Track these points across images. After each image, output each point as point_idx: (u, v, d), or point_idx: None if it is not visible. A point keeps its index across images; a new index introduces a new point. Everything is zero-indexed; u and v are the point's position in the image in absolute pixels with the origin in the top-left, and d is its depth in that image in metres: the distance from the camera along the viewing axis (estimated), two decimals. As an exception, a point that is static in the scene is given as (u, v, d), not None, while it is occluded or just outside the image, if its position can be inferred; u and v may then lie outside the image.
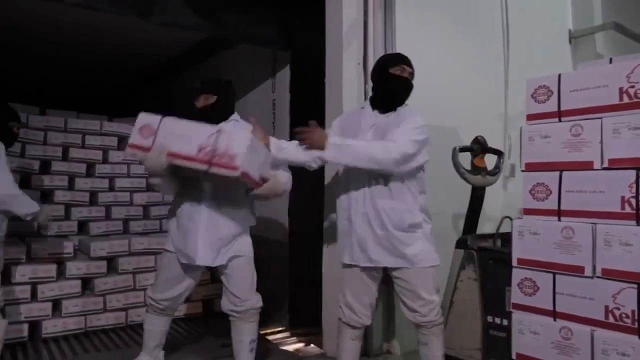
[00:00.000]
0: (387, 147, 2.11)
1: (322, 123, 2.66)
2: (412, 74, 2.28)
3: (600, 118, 1.85)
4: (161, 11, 3.04)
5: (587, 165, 1.88)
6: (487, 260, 2.50)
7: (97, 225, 3.77)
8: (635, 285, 1.71)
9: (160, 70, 5.60)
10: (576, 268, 1.86)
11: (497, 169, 2.88)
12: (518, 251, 2.06)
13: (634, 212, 1.74)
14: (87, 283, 3.36)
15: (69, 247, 3.33)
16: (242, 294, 2.42)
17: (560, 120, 1.98)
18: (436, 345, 2.23)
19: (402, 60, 2.28)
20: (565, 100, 1.97)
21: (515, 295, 2.06)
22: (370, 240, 2.19)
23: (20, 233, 3.32)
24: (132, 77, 6.12)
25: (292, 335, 3.47)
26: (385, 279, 2.37)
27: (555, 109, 2.00)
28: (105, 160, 3.91)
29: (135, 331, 3.30)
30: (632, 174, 1.75)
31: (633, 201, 1.74)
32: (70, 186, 3.74)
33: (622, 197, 1.77)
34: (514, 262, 2.07)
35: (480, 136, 2.83)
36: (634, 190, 1.74)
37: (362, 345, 2.47)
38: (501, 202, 3.39)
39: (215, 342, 3.09)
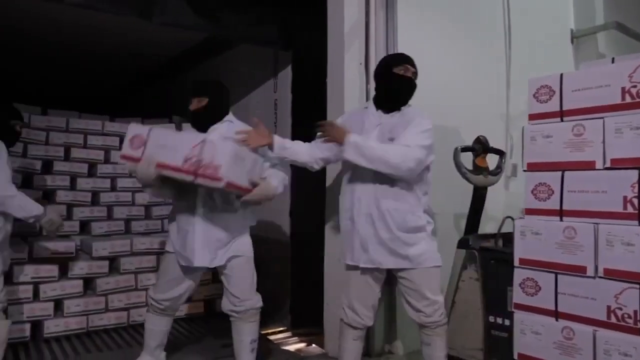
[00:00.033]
0: (405, 153, 2.09)
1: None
2: (415, 74, 2.27)
3: (603, 118, 1.85)
4: (161, 11, 3.03)
5: (589, 165, 1.88)
6: (489, 260, 2.50)
7: (99, 225, 3.77)
8: (638, 286, 1.71)
9: (160, 70, 5.60)
10: (578, 268, 1.86)
11: (498, 169, 2.88)
12: (520, 251, 2.06)
13: (636, 212, 1.74)
14: (89, 283, 3.37)
15: (71, 247, 3.33)
16: (242, 294, 2.42)
17: (562, 120, 1.98)
18: (439, 345, 2.23)
19: (405, 60, 2.27)
20: (568, 100, 1.97)
21: (517, 295, 2.06)
22: (373, 242, 2.18)
23: (23, 233, 3.32)
24: (132, 77, 6.12)
25: (293, 336, 3.46)
26: (387, 279, 2.37)
27: (557, 108, 2.00)
28: (107, 160, 3.91)
29: (136, 331, 3.30)
30: (634, 173, 1.75)
31: (635, 201, 1.74)
32: (72, 186, 3.74)
33: (625, 197, 1.77)
34: (516, 262, 2.07)
35: (482, 136, 2.83)
36: (636, 190, 1.74)
37: (364, 345, 2.47)
38: (503, 202, 3.39)
39: (217, 342, 3.09)
